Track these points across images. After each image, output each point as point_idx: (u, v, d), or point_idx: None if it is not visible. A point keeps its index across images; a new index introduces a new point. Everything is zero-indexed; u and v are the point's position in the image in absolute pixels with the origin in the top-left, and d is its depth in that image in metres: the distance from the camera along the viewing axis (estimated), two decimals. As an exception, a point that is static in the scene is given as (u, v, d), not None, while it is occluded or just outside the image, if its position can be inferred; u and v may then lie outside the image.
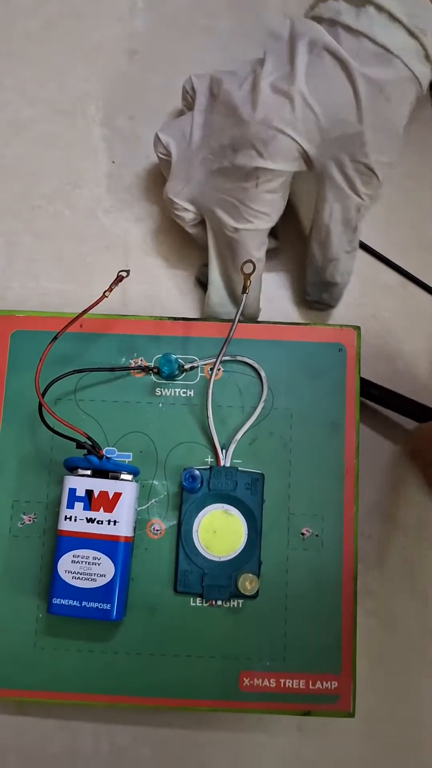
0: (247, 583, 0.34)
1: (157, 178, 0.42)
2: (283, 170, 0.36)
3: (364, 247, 0.44)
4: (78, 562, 0.33)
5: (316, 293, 0.42)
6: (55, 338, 0.35)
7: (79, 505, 0.34)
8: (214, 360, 0.37)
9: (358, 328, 0.38)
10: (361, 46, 0.35)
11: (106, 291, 0.35)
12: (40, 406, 0.34)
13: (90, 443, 0.34)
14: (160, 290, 0.40)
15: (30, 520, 0.36)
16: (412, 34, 0.34)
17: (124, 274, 0.35)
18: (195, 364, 0.37)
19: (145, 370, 0.37)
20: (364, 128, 0.35)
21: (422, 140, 0.44)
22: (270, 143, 0.35)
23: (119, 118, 0.43)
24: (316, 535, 0.36)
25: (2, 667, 0.35)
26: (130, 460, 0.37)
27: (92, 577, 0.33)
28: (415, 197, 0.44)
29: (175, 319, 0.38)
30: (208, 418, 0.37)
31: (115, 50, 0.44)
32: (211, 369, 0.37)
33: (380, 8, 0.34)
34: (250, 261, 0.37)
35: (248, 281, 0.36)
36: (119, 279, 0.35)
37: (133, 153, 0.42)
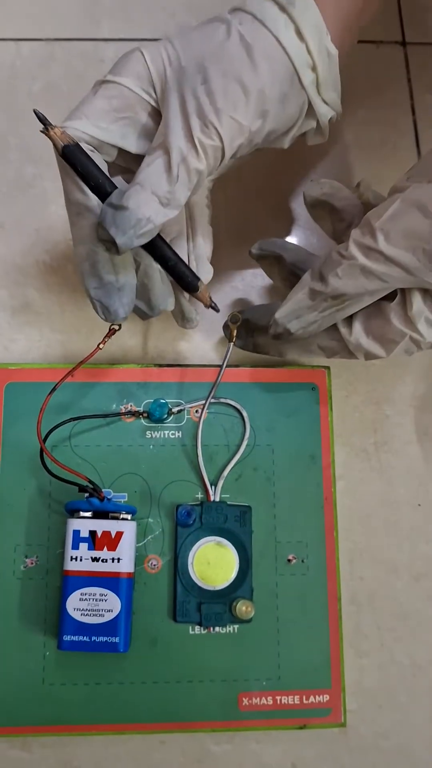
0: (244, 608, 0.37)
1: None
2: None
3: None
4: (86, 599, 0.35)
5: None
6: (54, 389, 0.37)
7: (83, 546, 0.36)
8: (202, 403, 0.40)
9: (327, 368, 0.42)
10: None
11: (100, 343, 0.38)
12: (42, 453, 0.37)
13: (92, 486, 0.36)
14: (154, 339, 0.43)
15: (32, 563, 0.38)
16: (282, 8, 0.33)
17: (116, 327, 0.38)
18: (182, 407, 0.40)
19: (135, 414, 0.40)
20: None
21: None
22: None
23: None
24: (302, 561, 0.39)
25: (11, 705, 0.37)
26: (125, 500, 0.39)
27: (100, 612, 0.35)
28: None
29: (160, 365, 0.41)
30: (198, 457, 0.39)
31: None
32: (197, 411, 0.40)
33: None
34: (238, 313, 0.40)
35: (234, 330, 0.39)
36: (112, 332, 0.38)
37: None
